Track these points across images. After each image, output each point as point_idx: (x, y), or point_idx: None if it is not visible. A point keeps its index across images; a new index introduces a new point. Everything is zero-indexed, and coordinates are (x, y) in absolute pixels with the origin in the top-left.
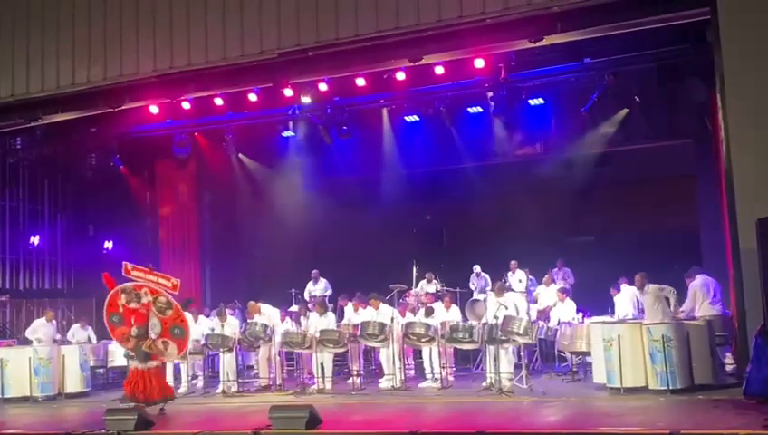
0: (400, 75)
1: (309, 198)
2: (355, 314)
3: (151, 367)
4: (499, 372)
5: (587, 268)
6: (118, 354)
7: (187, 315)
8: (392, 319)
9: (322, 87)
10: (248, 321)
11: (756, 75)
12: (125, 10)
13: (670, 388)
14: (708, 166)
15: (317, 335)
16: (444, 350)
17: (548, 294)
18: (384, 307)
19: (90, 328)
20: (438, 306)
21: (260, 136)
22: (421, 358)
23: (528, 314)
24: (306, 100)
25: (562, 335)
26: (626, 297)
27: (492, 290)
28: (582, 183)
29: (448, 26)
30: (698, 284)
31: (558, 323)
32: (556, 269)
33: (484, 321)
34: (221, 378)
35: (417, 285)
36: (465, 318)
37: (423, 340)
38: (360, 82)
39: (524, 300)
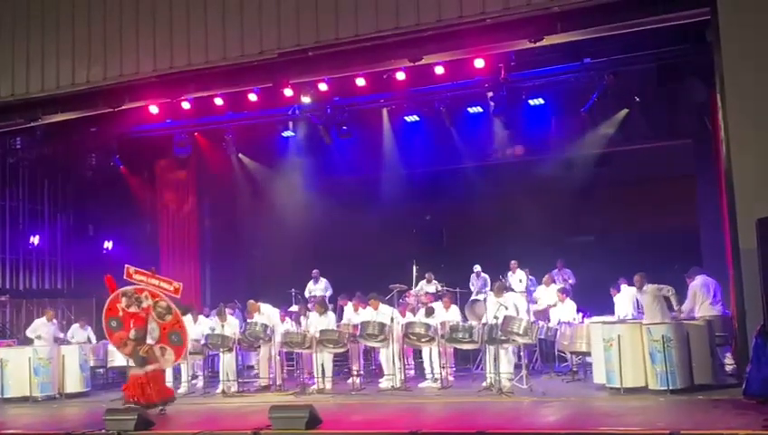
0: (400, 75)
1: (309, 198)
2: (355, 314)
3: (149, 371)
4: (499, 373)
5: (587, 268)
6: (117, 354)
7: (187, 316)
8: (392, 319)
9: (322, 87)
10: (248, 321)
11: (756, 75)
12: (125, 10)
13: (670, 388)
14: (708, 166)
15: (317, 335)
16: (444, 350)
17: (548, 294)
18: (383, 307)
19: (89, 328)
20: (438, 306)
21: (260, 136)
22: (421, 358)
23: (528, 313)
24: (306, 100)
25: (562, 335)
26: (626, 297)
27: (491, 290)
28: (582, 183)
29: (448, 26)
30: (698, 284)
31: (558, 324)
32: (556, 270)
33: (484, 321)
34: (221, 378)
35: (416, 285)
36: (464, 318)
37: (423, 340)
38: (360, 82)
39: (524, 300)
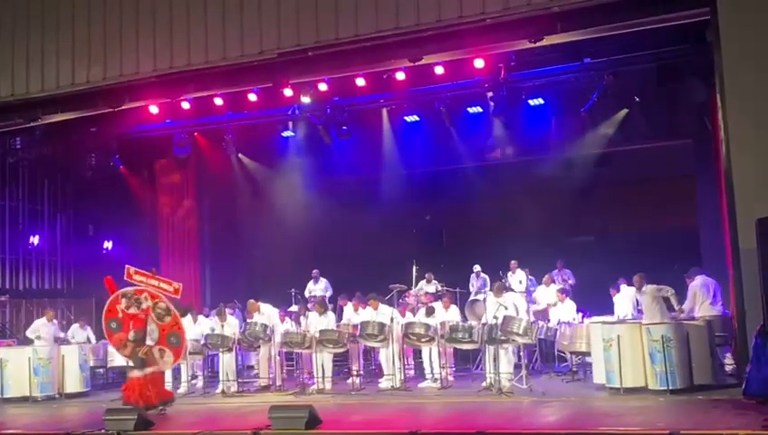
0: (400, 75)
1: (309, 198)
2: (355, 314)
3: (148, 373)
4: (499, 373)
5: (586, 268)
6: (117, 354)
7: (187, 316)
8: (392, 319)
9: (322, 87)
10: (248, 321)
11: (756, 75)
12: (125, 10)
13: (670, 388)
14: (708, 166)
15: (317, 335)
16: (443, 350)
17: (547, 294)
18: (383, 307)
19: (89, 328)
20: (437, 306)
21: (260, 136)
22: (421, 358)
23: (528, 314)
24: (306, 100)
25: (562, 335)
26: (625, 298)
27: (491, 290)
28: (582, 183)
29: (448, 26)
30: (698, 284)
31: (558, 324)
32: (556, 271)
33: (483, 321)
34: (221, 378)
35: (416, 285)
36: (464, 318)
37: (423, 340)
38: (360, 82)
39: (524, 300)
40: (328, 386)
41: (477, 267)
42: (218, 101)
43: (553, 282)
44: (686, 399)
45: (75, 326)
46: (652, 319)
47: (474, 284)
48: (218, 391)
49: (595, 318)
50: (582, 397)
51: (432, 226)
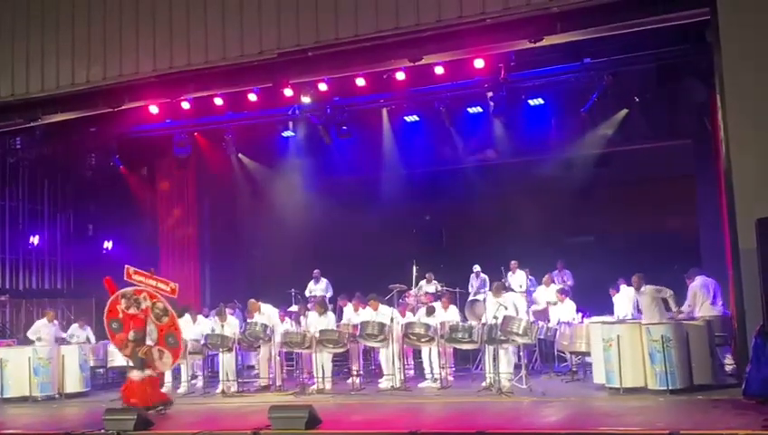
0: (400, 75)
1: (309, 198)
2: (355, 315)
3: (146, 376)
4: (498, 373)
5: (586, 269)
6: (117, 354)
7: (186, 316)
8: (392, 319)
9: (322, 87)
10: (248, 321)
11: (756, 75)
12: (125, 10)
13: (669, 388)
14: (708, 166)
15: (317, 335)
16: (443, 350)
17: (547, 294)
18: (383, 308)
19: (88, 328)
20: (436, 306)
21: (260, 136)
22: (421, 358)
23: (528, 314)
24: (306, 100)
25: (562, 335)
26: (625, 298)
27: (490, 290)
28: (582, 183)
29: (448, 26)
30: (698, 285)
31: (557, 324)
32: (556, 271)
33: (483, 321)
34: (220, 378)
35: (416, 285)
36: (463, 318)
37: (423, 340)
38: (360, 82)
39: (524, 300)
40: (328, 386)
41: (477, 267)
42: (218, 101)
43: (553, 282)
44: (685, 399)
45: (75, 326)
46: (651, 319)
47: (473, 284)
48: (218, 391)
49: (595, 318)
50: (582, 397)
51: (432, 226)
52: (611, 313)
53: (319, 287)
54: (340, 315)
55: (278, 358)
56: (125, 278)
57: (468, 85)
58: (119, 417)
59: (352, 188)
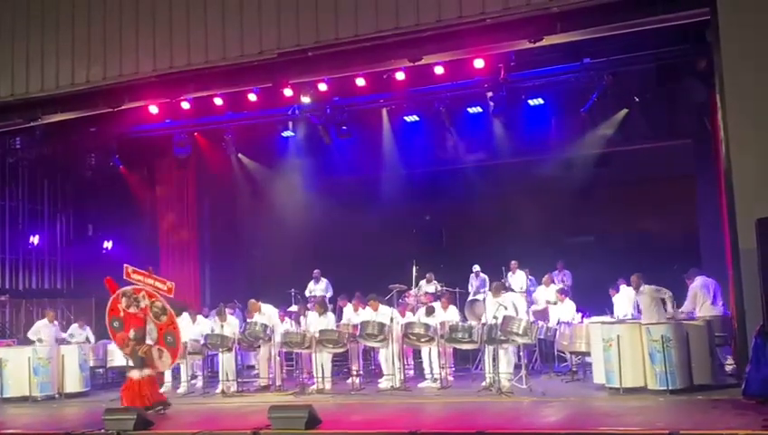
0: (400, 75)
1: (309, 198)
2: (354, 315)
3: (145, 375)
4: (498, 373)
5: (586, 269)
6: (117, 354)
7: (185, 315)
8: (392, 319)
9: (322, 87)
10: (248, 321)
11: (756, 75)
12: (125, 10)
13: (669, 388)
14: (708, 166)
15: (316, 335)
16: (443, 350)
17: (547, 294)
18: (383, 308)
19: (88, 328)
20: (436, 307)
21: (260, 136)
22: (420, 358)
23: (528, 314)
24: (306, 100)
25: (562, 335)
26: (625, 298)
27: (489, 290)
28: (582, 183)
29: (448, 26)
30: (698, 285)
31: (557, 324)
32: (557, 272)
33: (483, 321)
34: (220, 378)
35: (416, 285)
36: (463, 318)
37: (423, 340)
38: (360, 82)
39: (524, 300)
40: (327, 386)
41: (476, 267)
42: (218, 101)
43: (553, 282)
44: (685, 399)
45: (75, 326)
46: (650, 319)
47: (473, 284)
48: (218, 390)
49: (595, 318)
50: (582, 397)
51: (432, 226)
52: (611, 313)
53: (319, 287)
54: (339, 316)
55: (278, 358)
56: (124, 277)
57: (468, 85)
58: (118, 417)
59: (352, 188)
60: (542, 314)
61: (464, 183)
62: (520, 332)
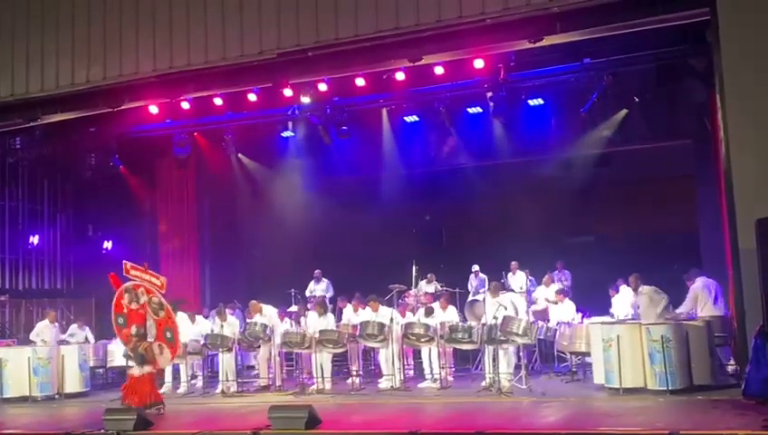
0: (400, 75)
1: (309, 198)
2: (354, 315)
3: (144, 373)
4: (498, 373)
5: (586, 269)
6: (117, 354)
7: (183, 315)
8: (391, 319)
9: (322, 87)
10: (248, 321)
11: (756, 75)
12: (125, 10)
13: (669, 388)
14: (708, 166)
15: (316, 335)
16: (443, 350)
17: (547, 294)
18: (383, 309)
19: (87, 328)
20: (435, 307)
21: (259, 136)
22: (420, 358)
23: (528, 313)
24: (306, 100)
25: (562, 336)
26: (624, 298)
27: (487, 290)
28: (582, 184)
29: (448, 26)
30: (699, 286)
31: (557, 324)
32: (557, 272)
33: (483, 321)
34: (220, 378)
35: (416, 285)
36: (463, 318)
37: (422, 340)
38: (360, 82)
39: (524, 300)
40: (327, 386)
41: (476, 267)
42: (218, 101)
43: (553, 282)
44: (685, 399)
45: (74, 326)
46: (649, 319)
47: (472, 283)
48: (218, 391)
49: (594, 318)
50: (582, 397)
51: (432, 226)
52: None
53: (319, 288)
54: (339, 316)
55: (278, 358)
56: (123, 274)
57: (468, 85)
58: (118, 417)
59: (352, 188)
60: (542, 314)
61: (464, 183)
62: (520, 332)
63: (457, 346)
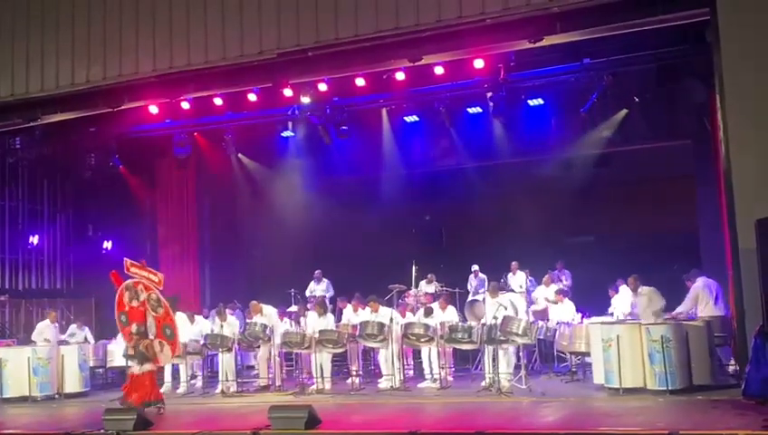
0: (400, 75)
1: (309, 198)
2: (354, 315)
3: (145, 371)
4: (498, 373)
5: (586, 269)
6: (117, 354)
7: (182, 316)
8: (391, 319)
9: (322, 87)
10: (248, 321)
11: (756, 75)
12: (124, 10)
13: (669, 388)
14: (707, 166)
15: (316, 335)
16: (443, 350)
17: (547, 294)
18: (383, 310)
19: (86, 328)
20: (434, 307)
21: (259, 136)
22: (420, 358)
23: (528, 313)
24: (306, 100)
25: (561, 336)
26: (624, 298)
27: (487, 291)
28: (582, 184)
29: (448, 26)
30: (701, 285)
31: (557, 324)
32: (557, 271)
33: (483, 321)
34: (220, 378)
35: (416, 285)
36: (463, 319)
37: (422, 340)
38: (360, 82)
39: (523, 300)
40: (327, 386)
41: (475, 267)
42: (218, 101)
43: (553, 282)
44: (685, 399)
45: (73, 326)
46: (648, 320)
47: (472, 284)
48: (218, 391)
49: (594, 318)
50: (581, 397)
51: (432, 226)
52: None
53: (320, 288)
54: (339, 316)
55: (278, 358)
56: (125, 271)
57: (468, 85)
58: (118, 417)
59: (352, 188)
60: (542, 314)
61: (464, 183)
62: (519, 332)
63: (457, 346)
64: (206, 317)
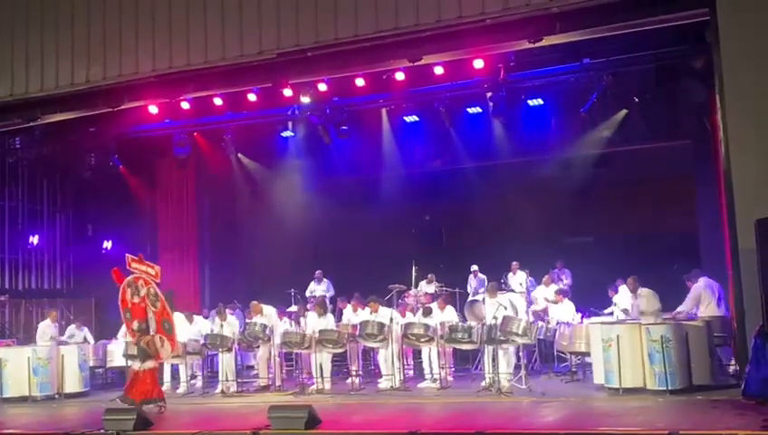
0: (399, 75)
1: (308, 198)
2: (354, 315)
3: (147, 368)
4: (498, 373)
5: (586, 269)
6: (116, 354)
7: (180, 316)
8: (391, 319)
9: (322, 87)
10: (248, 321)
11: (756, 75)
12: (124, 10)
13: (669, 388)
14: (707, 166)
15: (316, 335)
16: (443, 350)
17: (547, 294)
18: (383, 310)
19: (86, 328)
20: (433, 307)
21: (259, 136)
22: (420, 358)
23: (528, 313)
24: (305, 100)
25: (561, 336)
26: (624, 299)
27: (486, 291)
28: (582, 184)
29: (448, 27)
30: (702, 285)
31: (557, 324)
32: (556, 271)
33: (483, 321)
34: (220, 378)
35: (416, 285)
36: (463, 319)
37: (422, 340)
38: (360, 82)
39: (523, 300)
40: (327, 386)
41: (475, 267)
42: (218, 102)
43: (553, 282)
44: (685, 399)
45: (72, 327)
46: (646, 320)
47: (471, 284)
48: (218, 391)
49: (594, 318)
50: (581, 397)
51: (432, 226)
52: (610, 314)
53: (320, 288)
54: (339, 316)
55: (278, 358)
56: (126, 267)
57: (468, 85)
58: (118, 417)
59: (352, 188)
60: (542, 314)
61: (464, 183)
62: (519, 332)
63: (457, 346)
64: (206, 317)
